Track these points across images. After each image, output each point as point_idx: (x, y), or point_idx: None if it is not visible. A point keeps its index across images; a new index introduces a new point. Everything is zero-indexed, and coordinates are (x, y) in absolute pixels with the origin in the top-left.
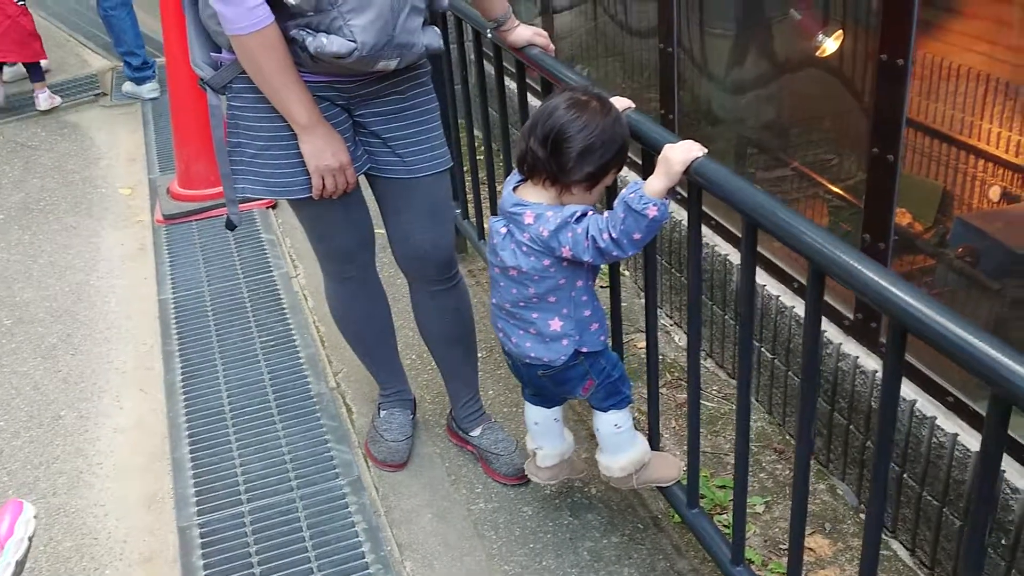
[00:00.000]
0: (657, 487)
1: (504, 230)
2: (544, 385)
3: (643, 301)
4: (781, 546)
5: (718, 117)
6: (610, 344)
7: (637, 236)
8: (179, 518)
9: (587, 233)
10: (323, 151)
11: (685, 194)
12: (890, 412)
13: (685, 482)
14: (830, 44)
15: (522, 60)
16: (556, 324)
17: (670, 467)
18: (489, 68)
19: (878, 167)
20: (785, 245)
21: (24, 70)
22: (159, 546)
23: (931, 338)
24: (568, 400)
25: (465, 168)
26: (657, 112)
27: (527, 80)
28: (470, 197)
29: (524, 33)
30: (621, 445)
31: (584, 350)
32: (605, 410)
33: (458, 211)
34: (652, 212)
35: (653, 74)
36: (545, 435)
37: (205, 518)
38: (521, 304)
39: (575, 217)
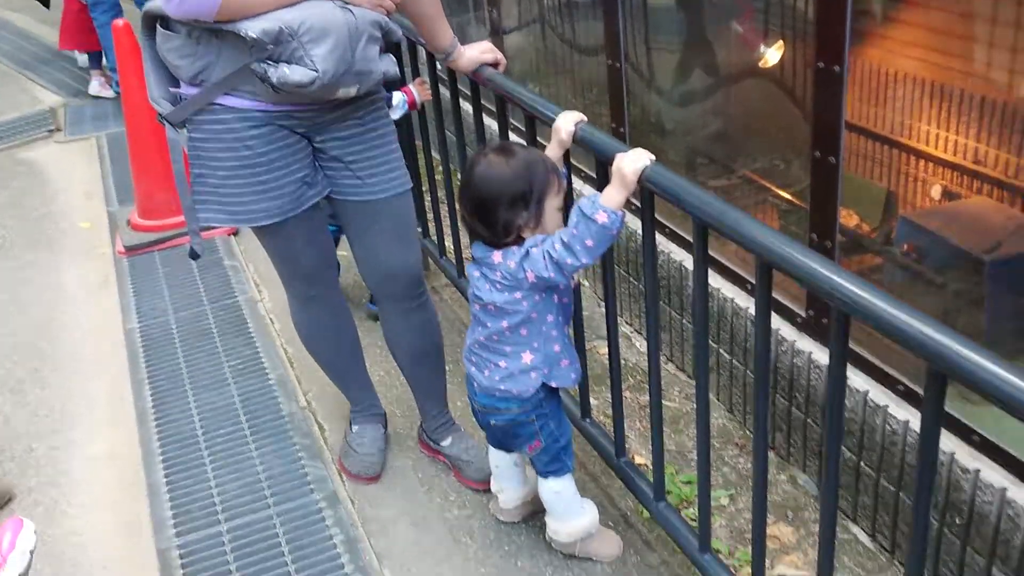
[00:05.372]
0: (625, 484)
1: (478, 273)
2: (493, 435)
3: (603, 309)
4: (746, 535)
5: (667, 129)
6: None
7: (589, 243)
8: (158, 541)
9: (543, 251)
10: None
11: (638, 204)
12: (839, 393)
13: (652, 478)
14: (772, 55)
15: (476, 81)
16: (527, 357)
17: (612, 544)
18: (445, 92)
19: (821, 169)
20: (733, 242)
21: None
22: (139, 570)
23: (871, 319)
24: None
25: (424, 188)
26: (608, 126)
27: (482, 101)
28: (430, 216)
29: (472, 55)
30: (564, 510)
31: (553, 384)
32: (545, 476)
33: (419, 229)
34: (601, 218)
35: (603, 90)
36: (506, 478)
37: (184, 539)
38: (495, 338)
39: (534, 243)
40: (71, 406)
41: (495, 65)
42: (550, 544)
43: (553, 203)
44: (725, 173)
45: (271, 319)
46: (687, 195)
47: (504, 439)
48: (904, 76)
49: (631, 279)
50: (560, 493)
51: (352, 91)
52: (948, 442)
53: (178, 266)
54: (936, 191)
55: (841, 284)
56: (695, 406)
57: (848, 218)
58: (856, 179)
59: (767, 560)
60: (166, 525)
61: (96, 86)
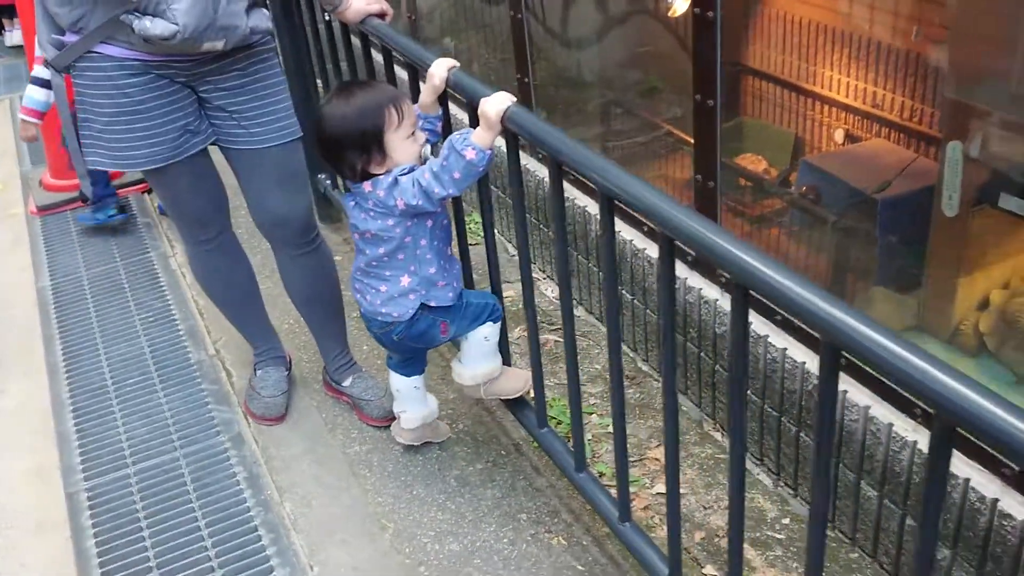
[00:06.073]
0: (513, 414)
1: (352, 203)
2: (406, 347)
3: (509, 254)
4: (630, 458)
5: (570, 78)
6: (459, 298)
7: (456, 175)
8: (66, 485)
9: (413, 179)
10: None
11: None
12: (668, 291)
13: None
14: (679, 4)
15: (364, 32)
16: (405, 280)
17: (517, 379)
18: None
19: (702, 112)
20: (581, 177)
21: None
22: (50, 514)
23: (684, 238)
24: (439, 351)
25: None
26: (514, 76)
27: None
28: None
29: (359, 7)
30: (482, 357)
31: (432, 304)
32: (483, 323)
33: (328, 181)
34: (469, 154)
35: (508, 41)
36: (407, 400)
37: (92, 483)
38: (374, 264)
39: (403, 172)
40: None
41: (382, 16)
42: (459, 388)
43: (398, 135)
44: (627, 118)
45: (182, 273)
46: (542, 134)
47: (417, 342)
48: (806, 22)
49: (541, 227)
50: (488, 339)
51: (218, 45)
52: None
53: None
54: (839, 135)
55: (663, 208)
56: (592, 343)
57: (756, 163)
58: (764, 124)
59: (648, 479)
60: (75, 470)
61: (19, 35)
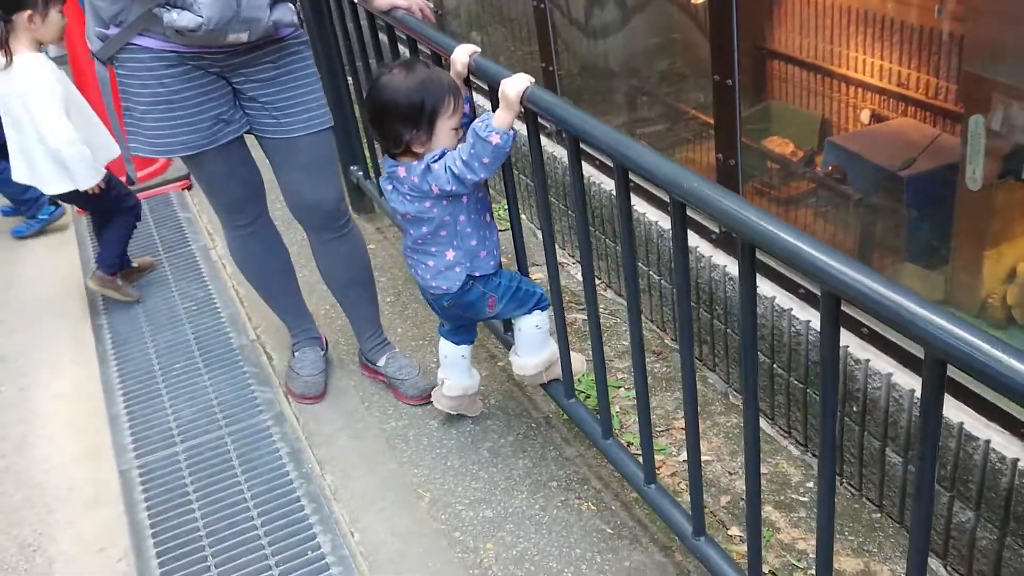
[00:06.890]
0: (543, 388)
1: (390, 187)
2: (455, 315)
3: (538, 239)
4: (656, 427)
5: (593, 64)
6: (500, 265)
7: (486, 160)
8: (119, 463)
9: (444, 166)
10: None
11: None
12: (681, 254)
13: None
14: None
15: (389, 23)
16: (451, 254)
17: (578, 361)
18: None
19: (721, 92)
20: (595, 148)
21: None
22: (103, 489)
23: (700, 203)
24: (477, 329)
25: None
26: (538, 65)
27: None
28: (371, 159)
29: None
30: (538, 345)
31: (476, 274)
32: (530, 312)
33: (360, 173)
34: (495, 139)
35: (532, 31)
36: (452, 367)
37: (143, 460)
38: (420, 241)
39: (435, 158)
40: (36, 351)
41: (414, 14)
42: (520, 380)
43: (447, 124)
44: (652, 102)
45: (223, 264)
46: (559, 111)
47: (466, 312)
48: (830, 3)
49: (570, 212)
50: (539, 327)
51: (243, 37)
52: (843, 338)
53: None
54: (865, 115)
55: (674, 174)
56: (619, 321)
57: (784, 146)
58: (791, 108)
59: (675, 448)
60: (126, 449)
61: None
